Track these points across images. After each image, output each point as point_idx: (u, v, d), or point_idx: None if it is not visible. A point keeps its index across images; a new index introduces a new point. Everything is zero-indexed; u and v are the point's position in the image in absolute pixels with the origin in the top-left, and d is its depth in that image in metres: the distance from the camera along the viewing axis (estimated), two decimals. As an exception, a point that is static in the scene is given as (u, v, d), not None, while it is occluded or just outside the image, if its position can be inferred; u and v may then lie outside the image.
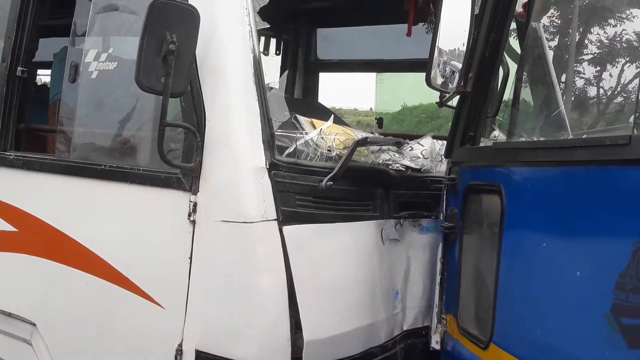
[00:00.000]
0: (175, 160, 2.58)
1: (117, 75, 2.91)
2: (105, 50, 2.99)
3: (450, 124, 3.02)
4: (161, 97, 2.42)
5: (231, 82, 2.62)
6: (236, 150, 2.57)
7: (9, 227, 3.16)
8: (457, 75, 2.90)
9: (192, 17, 2.45)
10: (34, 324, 3.06)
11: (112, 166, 2.85)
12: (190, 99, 2.61)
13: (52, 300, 3.01)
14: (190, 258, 2.55)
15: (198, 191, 2.56)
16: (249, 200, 2.51)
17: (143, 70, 2.38)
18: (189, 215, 2.55)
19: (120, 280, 2.72)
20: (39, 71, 5.44)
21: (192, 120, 2.60)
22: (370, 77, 6.31)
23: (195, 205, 2.55)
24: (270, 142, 2.58)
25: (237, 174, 2.54)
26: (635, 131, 2.01)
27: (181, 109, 2.65)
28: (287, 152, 2.69)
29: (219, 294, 2.53)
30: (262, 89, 2.63)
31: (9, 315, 3.10)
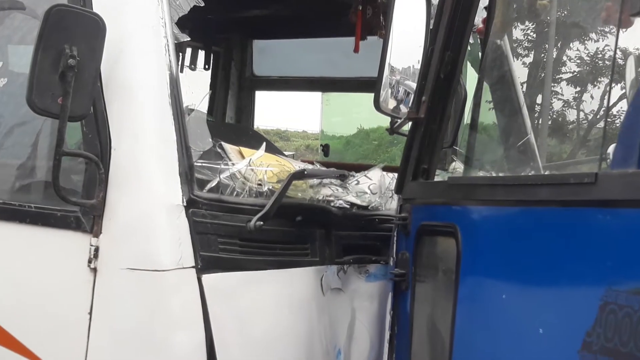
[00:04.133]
0: (73, 196, 2.53)
1: (7, 94, 2.86)
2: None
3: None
4: (58, 120, 2.37)
5: (142, 102, 2.60)
6: (147, 184, 2.54)
7: None
8: (411, 96, 2.95)
9: (96, 28, 2.42)
10: None
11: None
12: (93, 123, 2.57)
13: None
14: (90, 313, 2.49)
15: (101, 233, 2.52)
16: (162, 243, 2.49)
17: (36, 88, 2.34)
18: (90, 261, 2.51)
19: (4, 339, 2.64)
20: None
21: (95, 149, 2.56)
22: (317, 95, 6.39)
23: (97, 250, 2.51)
24: (188, 175, 2.56)
25: (148, 212, 2.51)
26: (601, 168, 2.05)
27: (82, 135, 2.61)
28: (209, 186, 2.67)
29: (124, 355, 2.48)
30: (179, 110, 2.62)
31: None
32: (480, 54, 3.53)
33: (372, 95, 2.88)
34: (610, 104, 2.41)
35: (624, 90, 2.53)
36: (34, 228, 2.68)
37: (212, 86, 5.32)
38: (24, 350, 2.61)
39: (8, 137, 2.97)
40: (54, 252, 2.66)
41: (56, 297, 2.61)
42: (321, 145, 5.08)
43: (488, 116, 3.39)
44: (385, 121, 3.15)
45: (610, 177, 1.87)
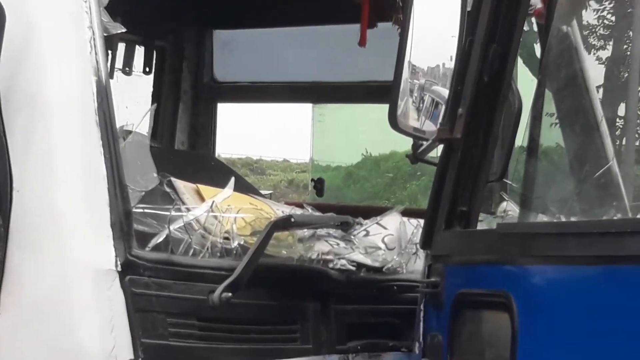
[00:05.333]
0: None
1: None
2: None
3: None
4: None
5: (57, 122, 2.61)
6: (65, 240, 2.54)
7: None
8: (441, 109, 2.95)
9: None
10: None
11: None
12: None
13: None
14: None
15: None
16: (87, 327, 2.47)
17: None
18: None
19: None
20: None
21: (-12, 191, 2.55)
22: (306, 109, 6.39)
23: None
24: (124, 226, 2.56)
25: (66, 282, 2.51)
26: None
27: None
28: (153, 242, 2.68)
29: None
30: (110, 133, 2.62)
31: None
32: (539, 47, 3.55)
33: (384, 107, 2.89)
34: None
35: None
36: None
37: (156, 97, 5.34)
38: None
39: None
40: None
41: None
42: (312, 180, 5.08)
43: (552, 136, 3.40)
44: (404, 144, 3.15)
45: None
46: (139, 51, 5.27)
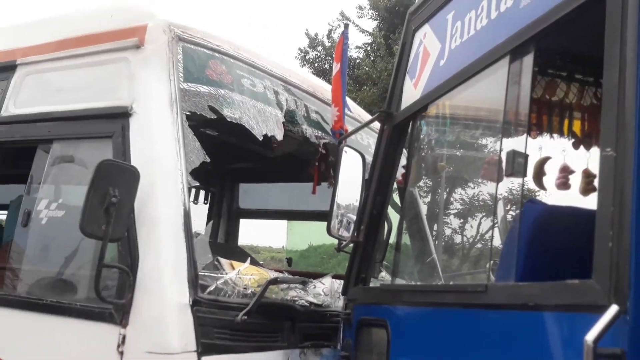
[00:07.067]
0: (109, 297, 2.45)
1: (64, 222, 2.81)
2: (56, 200, 2.90)
3: (347, 264, 3.02)
4: (100, 241, 2.34)
5: (163, 230, 2.56)
6: (164, 288, 2.47)
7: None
8: (352, 225, 2.96)
9: (133, 176, 2.43)
10: None
11: (53, 301, 2.68)
12: (126, 243, 2.52)
13: None
14: (117, 387, 2.36)
15: (127, 324, 2.42)
16: (173, 333, 2.40)
17: (87, 219, 2.31)
18: (118, 346, 2.40)
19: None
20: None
21: (126, 262, 2.50)
22: (283, 223, 6.31)
23: (124, 337, 2.41)
24: (194, 282, 2.50)
25: (164, 309, 2.43)
26: (490, 280, 2.06)
27: (118, 252, 2.55)
28: (208, 290, 2.61)
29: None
30: (189, 236, 2.58)
31: None
32: (400, 197, 3.60)
33: (321, 223, 2.89)
34: (491, 234, 2.46)
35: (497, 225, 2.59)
36: (78, 320, 2.57)
37: (209, 216, 5.26)
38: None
39: (61, 253, 2.88)
40: (91, 338, 2.54)
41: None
42: (286, 258, 5.02)
43: (406, 240, 3.43)
44: (328, 241, 3.11)
45: (496, 287, 1.88)
46: (202, 192, 5.23)
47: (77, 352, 2.57)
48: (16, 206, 3.20)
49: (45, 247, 2.94)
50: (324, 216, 2.92)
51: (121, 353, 2.39)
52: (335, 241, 3.23)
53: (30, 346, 2.71)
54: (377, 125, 3.05)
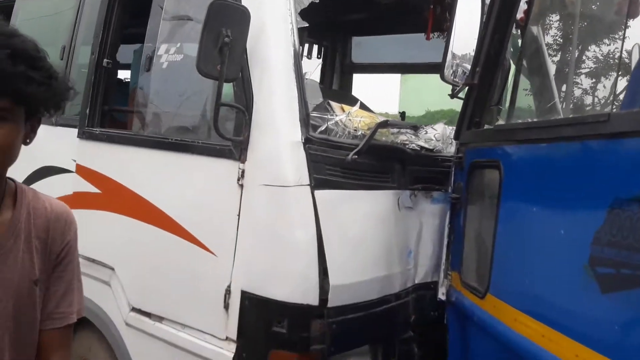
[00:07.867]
0: (227, 134, 2.58)
1: (183, 66, 2.93)
2: (174, 45, 3.01)
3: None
4: (217, 82, 2.43)
5: (275, 70, 2.60)
6: (278, 126, 2.55)
7: (94, 189, 3.22)
8: (466, 73, 2.86)
9: (243, 16, 2.45)
10: (113, 269, 3.12)
11: (177, 140, 2.86)
12: (241, 84, 2.60)
13: (128, 248, 3.06)
14: (239, 215, 2.54)
15: (246, 160, 2.55)
16: (287, 168, 2.50)
17: (203, 59, 2.39)
18: (238, 180, 2.55)
19: (182, 232, 2.74)
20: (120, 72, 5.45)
21: (242, 102, 2.59)
22: (396, 82, 6.18)
23: (243, 172, 2.54)
24: (306, 121, 2.56)
25: (278, 146, 2.52)
26: (612, 110, 1.94)
27: (233, 92, 2.64)
28: (319, 130, 2.67)
29: (261, 245, 2.52)
30: (300, 76, 2.60)
31: (93, 261, 3.16)
32: (520, 38, 3.38)
33: (436, 78, 2.82)
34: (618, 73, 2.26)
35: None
36: (201, 157, 2.73)
37: (322, 70, 5.27)
38: (194, 239, 2.71)
39: (183, 95, 3.04)
40: (214, 173, 2.71)
41: (216, 204, 2.67)
42: (399, 112, 4.97)
43: (525, 83, 3.25)
44: (446, 105, 2.99)
45: (620, 115, 1.77)
46: (314, 47, 5.21)
47: (202, 187, 2.77)
48: (139, 54, 3.38)
49: (167, 90, 3.10)
50: (438, 67, 2.83)
51: (241, 186, 2.55)
52: (455, 107, 3.14)
53: (160, 182, 2.96)
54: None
